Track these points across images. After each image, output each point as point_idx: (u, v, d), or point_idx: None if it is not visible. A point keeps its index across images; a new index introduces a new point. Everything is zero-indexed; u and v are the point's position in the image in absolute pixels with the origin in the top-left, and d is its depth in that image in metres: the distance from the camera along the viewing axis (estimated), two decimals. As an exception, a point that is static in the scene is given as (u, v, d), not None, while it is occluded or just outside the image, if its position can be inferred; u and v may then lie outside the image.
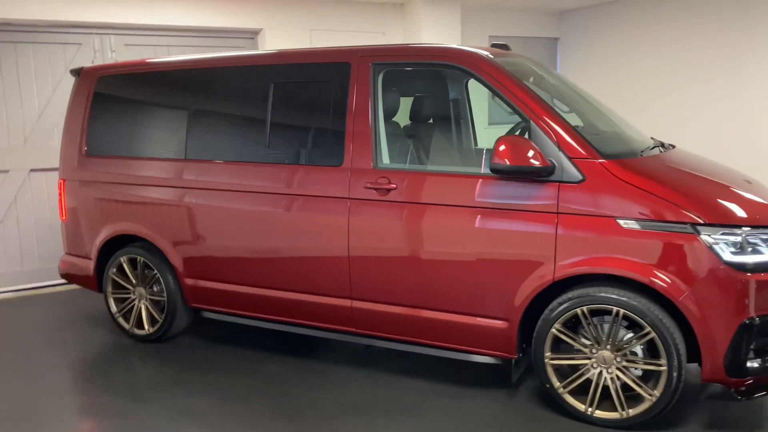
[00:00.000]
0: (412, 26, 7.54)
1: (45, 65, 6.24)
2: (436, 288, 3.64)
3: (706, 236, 3.06)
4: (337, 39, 7.37)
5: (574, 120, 3.61)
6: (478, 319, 3.58)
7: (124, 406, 3.76)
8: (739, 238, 3.07)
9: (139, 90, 4.69)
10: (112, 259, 4.78)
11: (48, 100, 6.28)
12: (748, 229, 3.10)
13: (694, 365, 3.28)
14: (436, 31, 7.39)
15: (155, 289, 4.69)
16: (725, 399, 3.21)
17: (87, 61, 6.37)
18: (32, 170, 6.30)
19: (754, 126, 6.74)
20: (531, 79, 4.15)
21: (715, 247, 3.05)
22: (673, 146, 3.98)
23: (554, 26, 8.87)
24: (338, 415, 3.59)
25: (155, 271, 4.60)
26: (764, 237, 3.13)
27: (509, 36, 8.58)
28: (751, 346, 3.09)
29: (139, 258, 4.66)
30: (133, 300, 4.78)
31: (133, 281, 4.75)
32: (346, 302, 3.94)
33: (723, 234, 3.07)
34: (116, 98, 4.77)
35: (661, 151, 3.75)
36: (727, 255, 3.05)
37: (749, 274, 3.05)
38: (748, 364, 3.11)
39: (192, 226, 4.37)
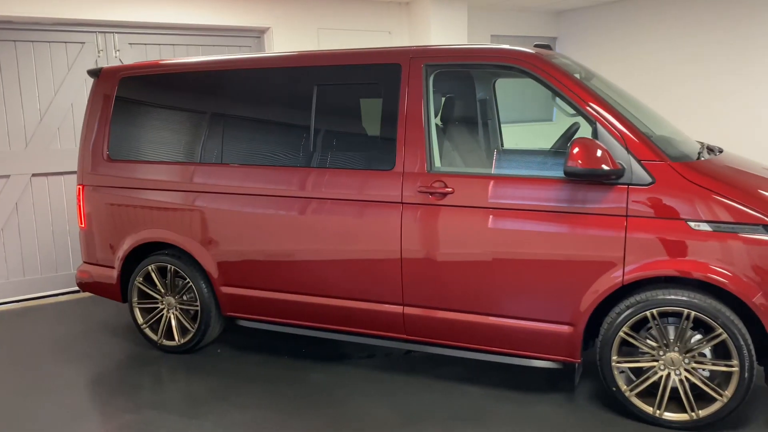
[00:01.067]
0: (419, 25, 7.48)
1: (46, 65, 5.97)
2: (499, 293, 3.59)
3: (778, 237, 3.08)
4: (344, 38, 7.27)
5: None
6: (543, 324, 3.54)
7: (176, 422, 3.61)
8: (809, 238, 3.10)
9: (168, 91, 4.51)
10: (139, 267, 4.59)
11: (50, 101, 6.02)
12: (815, 229, 3.14)
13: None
14: (443, 31, 7.35)
15: (186, 297, 4.52)
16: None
17: (90, 61, 6.13)
18: (34, 175, 6.03)
19: (754, 125, 6.89)
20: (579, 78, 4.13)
21: (787, 247, 3.08)
22: (721, 150, 4.01)
23: (553, 26, 8.92)
24: (400, 425, 3.51)
25: (187, 280, 4.44)
26: (829, 236, 3.17)
27: (510, 35, 8.60)
28: (823, 346, 3.13)
29: (169, 266, 4.48)
30: (162, 310, 4.60)
31: (162, 290, 4.57)
32: (398, 308, 3.86)
33: (793, 234, 3.09)
34: (141, 100, 4.57)
35: (713, 154, 3.77)
36: (799, 255, 3.08)
37: (818, 274, 3.09)
38: (818, 363, 3.16)
39: (230, 233, 4.22)
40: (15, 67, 5.83)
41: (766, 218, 3.10)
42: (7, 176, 5.91)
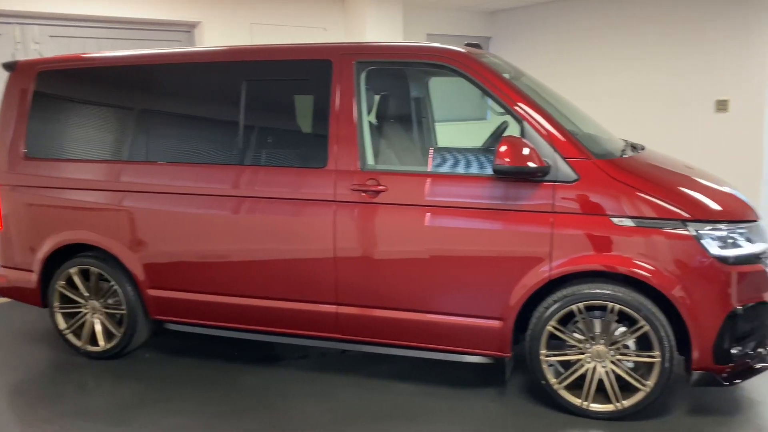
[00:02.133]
0: (355, 23, 7.45)
1: (-42, 57, 5.62)
2: (432, 290, 3.60)
3: (695, 232, 3.21)
4: (278, 34, 7.16)
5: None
6: (474, 319, 3.57)
7: (101, 431, 3.46)
8: (723, 233, 3.24)
9: (90, 87, 4.32)
10: (60, 270, 4.38)
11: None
12: (729, 223, 3.28)
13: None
14: (379, 28, 7.34)
15: (111, 301, 4.34)
16: (708, 385, 3.38)
17: (7, 53, 5.81)
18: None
19: (682, 124, 7.18)
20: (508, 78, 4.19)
21: (703, 241, 3.21)
22: (643, 147, 4.15)
23: (487, 25, 9.06)
24: (333, 425, 3.48)
25: (112, 282, 4.26)
26: (741, 231, 3.33)
27: (445, 35, 8.68)
28: (737, 333, 3.28)
29: (92, 269, 4.30)
30: (85, 314, 4.40)
31: (85, 294, 4.38)
32: (332, 308, 3.82)
33: (709, 229, 3.23)
34: (61, 96, 4.37)
35: (636, 152, 3.89)
36: (714, 249, 3.21)
37: (733, 267, 3.23)
38: (734, 350, 3.30)
39: (157, 233, 4.08)
40: None
41: (684, 214, 3.22)
42: None
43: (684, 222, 3.22)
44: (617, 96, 7.76)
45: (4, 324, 5.20)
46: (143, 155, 4.11)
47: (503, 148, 3.25)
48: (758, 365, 3.45)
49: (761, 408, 3.61)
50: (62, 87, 4.39)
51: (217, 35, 6.80)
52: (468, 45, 4.36)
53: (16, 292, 4.60)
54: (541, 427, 3.42)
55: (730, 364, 3.32)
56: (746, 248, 3.29)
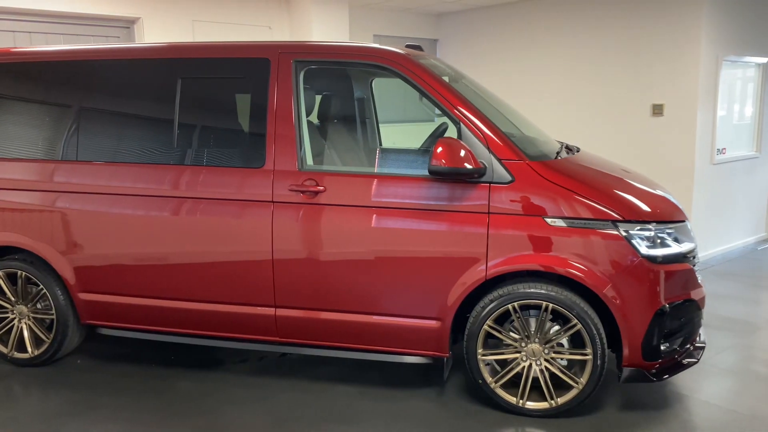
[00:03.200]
0: (300, 22, 7.39)
1: None
2: (370, 291, 3.59)
3: (625, 232, 3.29)
4: (221, 31, 7.03)
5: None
6: (412, 320, 3.58)
7: (21, 442, 3.32)
8: (652, 233, 3.34)
9: (20, 82, 4.15)
10: (-15, 274, 4.19)
11: None
12: (657, 224, 3.38)
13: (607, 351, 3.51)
14: (324, 28, 7.29)
15: (39, 306, 4.18)
16: (637, 381, 3.47)
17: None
18: None
19: (622, 130, 7.38)
20: (446, 80, 4.22)
21: (633, 241, 3.29)
22: (578, 149, 4.24)
23: (433, 28, 9.11)
24: (270, 429, 3.42)
25: (40, 286, 4.10)
26: (669, 231, 3.43)
27: (392, 36, 8.69)
28: (665, 330, 3.38)
29: (19, 272, 4.12)
30: (12, 320, 4.22)
31: (12, 299, 4.20)
32: (270, 311, 3.77)
33: (639, 230, 3.31)
34: (-11, 91, 4.18)
35: (570, 153, 3.96)
36: (644, 249, 3.30)
37: (661, 266, 3.33)
38: (662, 347, 3.40)
39: (87, 235, 3.94)
40: None
41: (614, 214, 3.30)
42: None
43: (614, 222, 3.30)
44: (557, 100, 7.92)
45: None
46: (73, 154, 3.97)
47: (439, 150, 3.27)
48: (686, 361, 3.57)
49: (688, 402, 3.73)
50: (-9, 82, 4.20)
51: (157, 32, 6.62)
52: (408, 47, 4.37)
53: (-63, 298, 4.38)
54: (476, 426, 3.45)
55: (659, 361, 3.42)
56: (674, 248, 3.40)
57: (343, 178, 3.62)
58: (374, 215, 3.53)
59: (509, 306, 3.42)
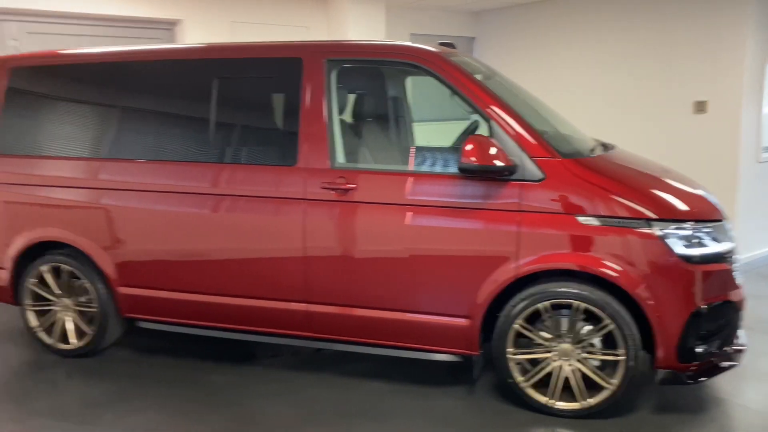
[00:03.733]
0: (337, 22, 7.45)
1: (-66, 54, 5.59)
2: (400, 288, 3.60)
3: (660, 231, 3.23)
4: (259, 32, 7.14)
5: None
6: (443, 318, 3.58)
7: (67, 428, 3.45)
8: (688, 232, 3.26)
9: (62, 84, 4.31)
10: (31, 268, 4.36)
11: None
12: (694, 223, 3.30)
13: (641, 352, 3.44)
14: (361, 28, 7.34)
15: (83, 299, 4.33)
16: (673, 383, 3.40)
17: (-16, 50, 5.78)
18: None
19: (663, 128, 7.22)
20: (479, 77, 4.20)
21: (668, 240, 3.23)
22: (614, 146, 4.17)
23: (471, 26, 9.06)
24: (297, 423, 3.48)
25: (83, 280, 4.25)
26: (707, 230, 3.35)
27: (429, 35, 8.67)
28: (701, 332, 3.30)
29: (63, 266, 4.28)
30: (57, 312, 4.39)
31: (57, 292, 4.36)
32: (303, 306, 3.82)
33: (674, 228, 3.24)
34: (34, 92, 4.35)
35: (605, 151, 3.91)
36: (679, 248, 3.23)
37: (697, 266, 3.25)
38: (697, 349, 3.32)
39: (128, 231, 4.07)
40: None
41: (648, 213, 3.24)
42: None
43: (649, 221, 3.24)
44: (597, 97, 7.78)
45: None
46: (115, 152, 4.10)
47: (469, 147, 3.26)
48: (724, 364, 3.47)
49: (726, 406, 3.63)
50: (35, 83, 4.37)
51: (197, 33, 6.77)
52: (442, 44, 4.37)
53: (-12, 290, 4.58)
54: (505, 425, 3.43)
55: (695, 363, 3.34)
56: (711, 247, 3.32)
57: (374, 176, 3.64)
58: (404, 213, 3.54)
59: (540, 305, 3.39)
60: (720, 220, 3.46)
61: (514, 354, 3.50)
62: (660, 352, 3.31)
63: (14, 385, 4.04)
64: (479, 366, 3.77)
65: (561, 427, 3.41)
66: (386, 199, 3.57)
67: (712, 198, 3.67)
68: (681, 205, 3.35)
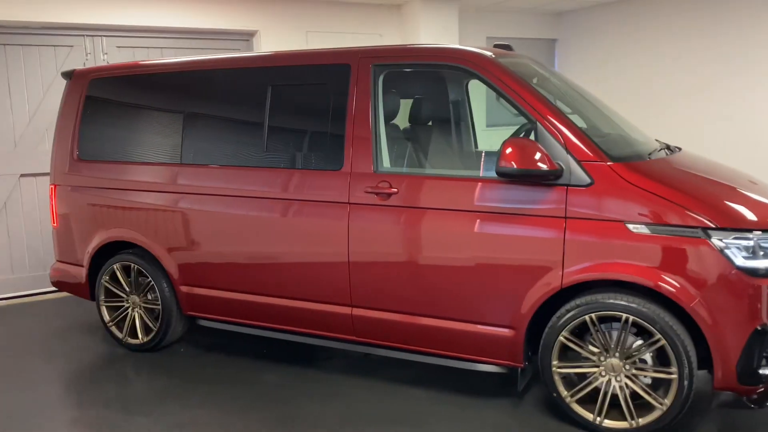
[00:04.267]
0: (410, 28, 7.46)
1: (35, 68, 6.12)
2: (440, 295, 3.54)
3: (718, 240, 2.98)
4: (333, 40, 7.28)
5: (577, 122, 3.53)
6: (484, 327, 3.48)
7: (117, 418, 3.65)
8: (751, 243, 2.99)
9: (133, 93, 4.58)
10: (105, 266, 4.66)
11: (39, 103, 6.16)
12: (760, 233, 3.02)
13: (703, 372, 3.19)
14: (434, 33, 7.32)
15: (150, 297, 4.57)
16: (736, 407, 3.13)
17: (79, 64, 6.25)
18: (22, 175, 6.18)
19: (755, 129, 6.69)
20: (534, 80, 4.07)
21: (727, 251, 2.97)
22: (680, 149, 3.91)
23: (552, 27, 8.81)
24: (338, 425, 3.49)
25: (149, 279, 4.49)
26: (777, 241, 3.05)
27: (507, 37, 8.51)
28: (765, 353, 3.01)
29: (132, 265, 4.54)
30: (127, 308, 4.66)
31: (127, 289, 4.63)
32: (347, 310, 3.84)
33: (735, 238, 2.98)
34: (109, 101, 4.66)
35: (667, 154, 3.67)
36: (740, 260, 2.96)
37: (762, 279, 2.97)
38: (761, 371, 3.03)
39: (187, 232, 4.26)
40: (5, 70, 5.99)
41: (705, 221, 3.00)
42: (-4, 176, 6.08)
43: (705, 230, 3.00)
44: (683, 99, 7.32)
45: (68, 315, 5.58)
46: (172, 158, 4.31)
47: (508, 150, 3.16)
48: (795, 389, 3.15)
49: (802, 436, 3.29)
50: (110, 93, 4.67)
51: (274, 43, 7.01)
52: (497, 46, 4.28)
53: (68, 286, 4.94)
54: (549, 442, 3.29)
55: (760, 386, 3.05)
56: (780, 260, 3.02)
57: (415, 180, 3.60)
58: (444, 218, 3.48)
59: (586, 317, 3.22)
60: (796, 231, 3.14)
61: (560, 367, 3.34)
62: (718, 372, 3.05)
63: (85, 375, 4.32)
64: (525, 378, 3.63)
65: (608, 447, 3.22)
66: (426, 204, 3.52)
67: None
68: (745, 214, 3.07)
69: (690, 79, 7.30)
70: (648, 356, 3.21)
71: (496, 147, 4.66)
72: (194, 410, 3.72)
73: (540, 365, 3.39)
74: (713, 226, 2.99)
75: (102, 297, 4.72)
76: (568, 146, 3.24)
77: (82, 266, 4.78)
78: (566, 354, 3.36)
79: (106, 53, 6.40)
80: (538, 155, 3.16)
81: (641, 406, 3.22)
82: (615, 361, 3.24)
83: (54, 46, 6.18)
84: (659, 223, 3.06)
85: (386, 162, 3.74)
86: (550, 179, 3.23)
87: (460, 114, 4.77)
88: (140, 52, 6.56)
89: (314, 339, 4.08)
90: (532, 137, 3.38)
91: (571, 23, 8.67)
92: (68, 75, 4.88)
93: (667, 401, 3.13)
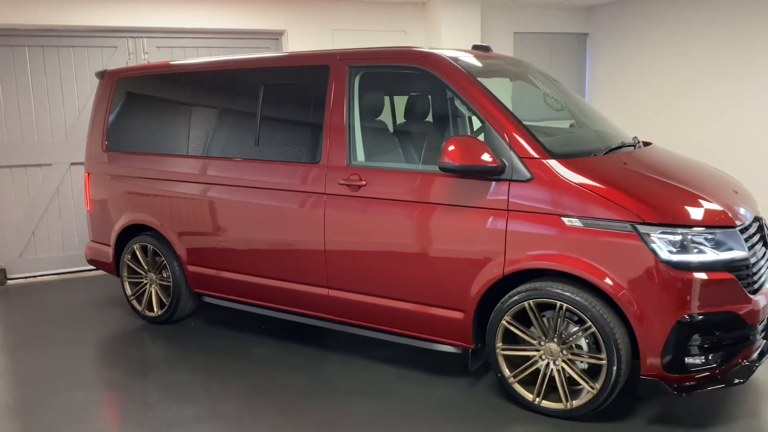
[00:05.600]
0: (433, 25, 7.69)
1: (84, 67, 6.79)
2: (401, 279, 3.84)
3: (645, 235, 3.14)
4: (358, 38, 7.61)
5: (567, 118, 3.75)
6: (439, 309, 3.76)
7: (124, 380, 4.17)
8: (678, 237, 3.13)
9: (148, 91, 5.11)
10: (127, 246, 5.22)
11: (87, 98, 6.82)
12: (688, 228, 3.15)
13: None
14: (455, 30, 7.52)
15: (164, 275, 5.09)
16: (656, 394, 3.27)
17: (122, 63, 6.88)
18: (72, 163, 6.87)
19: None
20: (509, 80, 4.30)
21: (653, 245, 3.13)
22: (649, 143, 4.03)
23: (583, 22, 8.79)
24: (306, 394, 3.86)
25: (163, 258, 5.01)
26: (708, 237, 3.18)
27: (535, 32, 8.58)
28: (692, 344, 3.15)
29: (149, 246, 5.07)
30: (145, 284, 5.21)
31: (145, 267, 5.17)
32: (324, 291, 4.20)
33: (662, 233, 3.13)
34: (130, 98, 5.20)
35: (637, 148, 3.81)
36: (665, 253, 3.12)
37: (687, 273, 3.11)
38: (688, 360, 3.17)
39: (191, 217, 4.74)
40: (57, 69, 6.69)
41: (633, 215, 3.16)
42: (50, 164, 6.80)
43: (633, 224, 3.16)
44: (715, 95, 7.20)
45: (104, 290, 6.23)
46: (184, 149, 4.79)
47: (450, 148, 3.41)
48: (727, 379, 3.26)
49: (735, 422, 3.39)
50: (132, 91, 5.21)
51: (301, 42, 7.42)
52: (476, 47, 4.51)
53: (99, 263, 5.55)
54: (492, 417, 3.53)
55: (686, 375, 3.19)
56: (708, 255, 3.15)
57: (381, 174, 3.90)
58: (403, 209, 3.77)
59: (525, 303, 3.45)
60: (730, 227, 3.25)
61: (503, 349, 3.59)
62: (645, 361, 3.22)
63: (113, 340, 4.90)
64: (478, 360, 3.86)
65: (545, 425, 3.43)
66: (388, 196, 3.83)
67: (740, 203, 3.45)
68: (674, 209, 3.21)
69: (718, 71, 7.17)
70: (583, 342, 3.40)
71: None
72: (187, 374, 4.20)
73: (487, 347, 3.64)
74: (640, 221, 3.15)
75: (125, 274, 5.29)
76: (511, 144, 3.47)
77: (109, 245, 5.36)
78: (516, 338, 3.60)
79: (147, 53, 7.00)
80: (478, 152, 3.40)
81: (580, 390, 3.42)
82: (553, 345, 3.45)
83: (100, 47, 6.83)
84: (591, 217, 3.25)
85: (359, 156, 4.06)
86: (493, 174, 3.46)
87: (432, 111, 4.89)
88: (177, 51, 7.13)
89: (297, 316, 4.46)
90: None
91: (602, 17, 8.63)
92: (100, 75, 5.46)
93: (597, 385, 3.32)
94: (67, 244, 6.98)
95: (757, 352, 3.42)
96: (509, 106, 3.65)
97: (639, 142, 4.26)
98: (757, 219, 3.64)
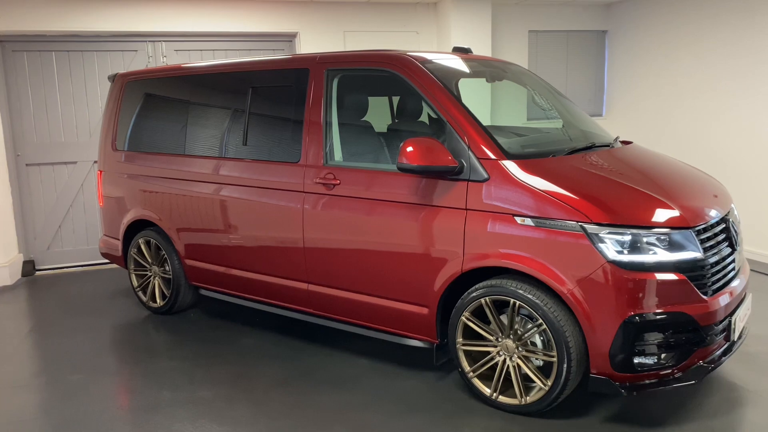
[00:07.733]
0: (444, 25, 7.76)
1: (106, 70, 7.16)
2: (371, 275, 3.98)
3: (593, 235, 3.18)
4: (370, 40, 7.75)
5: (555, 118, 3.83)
6: (406, 305, 3.88)
7: (117, 366, 4.45)
8: (627, 238, 3.16)
9: (150, 93, 5.39)
10: (134, 240, 5.52)
11: (109, 100, 7.20)
12: (639, 229, 3.18)
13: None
14: (465, 30, 7.57)
15: (166, 268, 5.37)
16: (603, 393, 3.29)
17: (142, 66, 7.23)
18: (95, 161, 7.26)
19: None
20: (485, 80, 4.37)
21: (601, 245, 3.17)
22: (629, 143, 4.04)
23: (601, 19, 8.69)
24: (276, 383, 4.05)
25: (164, 252, 5.28)
26: (661, 237, 3.20)
27: (551, 30, 8.54)
28: (643, 344, 3.18)
29: (152, 240, 5.36)
30: (150, 277, 5.50)
31: (150, 260, 5.46)
32: (304, 285, 4.38)
33: (610, 233, 3.17)
34: (136, 99, 5.49)
35: (599, 150, 3.84)
36: (612, 253, 3.15)
37: (635, 273, 3.14)
38: (638, 360, 3.20)
39: (186, 213, 4.99)
40: (82, 72, 7.08)
41: (582, 215, 3.21)
42: (75, 162, 7.21)
43: (581, 224, 3.21)
44: (738, 93, 7.02)
45: (120, 282, 6.58)
46: (181, 149, 5.04)
47: (408, 149, 3.52)
48: (678, 380, 3.27)
49: (692, 425, 3.39)
50: (137, 93, 5.50)
51: (313, 43, 7.61)
52: (456, 49, 4.60)
53: (111, 256, 5.88)
54: (451, 410, 3.62)
55: (636, 374, 3.22)
56: (658, 255, 3.17)
57: (352, 173, 4.04)
58: (371, 207, 3.91)
59: (482, 300, 3.54)
60: (684, 228, 3.25)
61: (463, 345, 3.68)
62: (593, 359, 3.26)
63: (121, 328, 5.20)
64: (444, 355, 3.95)
65: (500, 420, 3.51)
66: (358, 194, 3.96)
67: (698, 204, 3.45)
68: (624, 210, 3.23)
69: (744, 69, 7.00)
70: (538, 340, 3.47)
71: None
72: (176, 362, 4.44)
73: (449, 342, 3.75)
74: (588, 221, 3.20)
75: (131, 266, 5.59)
76: (470, 145, 3.55)
77: (119, 239, 5.68)
78: (477, 334, 3.69)
79: (165, 56, 7.32)
80: (433, 152, 3.49)
81: (535, 386, 3.49)
82: (510, 342, 3.52)
83: (122, 51, 7.20)
84: (542, 216, 3.31)
85: (336, 156, 4.21)
86: (451, 174, 3.56)
87: (405, 113, 4.85)
88: (194, 54, 7.44)
89: (281, 310, 4.65)
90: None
91: (621, 14, 8.51)
92: (111, 78, 5.78)
93: (549, 382, 3.38)
94: (91, 238, 7.38)
95: (719, 352, 3.41)
96: (488, 106, 3.75)
97: (617, 141, 4.27)
98: (724, 220, 3.62)
